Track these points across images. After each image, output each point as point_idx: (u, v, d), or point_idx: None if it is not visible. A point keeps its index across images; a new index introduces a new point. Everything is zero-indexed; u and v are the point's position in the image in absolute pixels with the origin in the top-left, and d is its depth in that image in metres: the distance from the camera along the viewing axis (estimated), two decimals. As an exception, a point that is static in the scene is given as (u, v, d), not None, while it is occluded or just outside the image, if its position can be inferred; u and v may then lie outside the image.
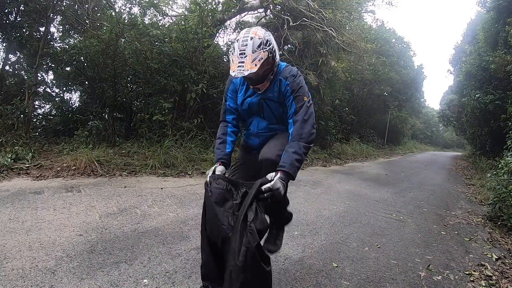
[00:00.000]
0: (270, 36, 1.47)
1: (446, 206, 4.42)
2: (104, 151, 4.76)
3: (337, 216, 3.33)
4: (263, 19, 8.66)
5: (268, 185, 1.33)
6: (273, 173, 1.39)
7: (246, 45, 1.40)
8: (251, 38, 1.40)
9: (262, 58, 1.41)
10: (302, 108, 1.50)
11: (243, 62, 1.39)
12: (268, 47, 1.43)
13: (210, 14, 6.68)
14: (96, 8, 7.36)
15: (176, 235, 2.35)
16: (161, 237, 2.28)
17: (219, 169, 1.54)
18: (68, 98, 7.08)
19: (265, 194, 1.33)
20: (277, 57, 1.53)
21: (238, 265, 1.20)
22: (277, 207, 1.75)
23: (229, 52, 1.50)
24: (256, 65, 1.39)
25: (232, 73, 1.41)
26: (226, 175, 1.59)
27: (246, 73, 1.38)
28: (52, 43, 6.48)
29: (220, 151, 1.63)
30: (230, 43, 9.06)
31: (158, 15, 7.37)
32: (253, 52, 1.39)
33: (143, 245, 2.11)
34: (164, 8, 7.40)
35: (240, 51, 1.40)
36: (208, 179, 1.47)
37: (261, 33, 1.44)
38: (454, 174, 8.99)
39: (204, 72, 6.04)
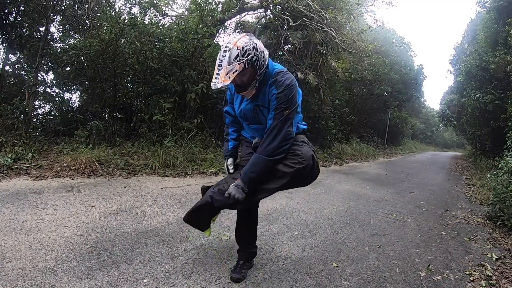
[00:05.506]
0: (252, 45, 1.42)
1: (446, 206, 4.42)
2: (104, 151, 4.76)
3: (337, 216, 3.33)
4: (263, 19, 8.67)
5: (229, 190, 1.54)
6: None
7: (224, 56, 1.40)
8: (229, 50, 1.39)
9: (236, 71, 1.39)
10: (278, 122, 1.51)
11: (218, 74, 1.40)
12: (246, 58, 1.40)
13: (210, 14, 6.67)
14: (96, 8, 7.37)
15: (176, 235, 2.35)
16: (161, 237, 2.27)
17: (229, 162, 1.90)
18: (68, 98, 7.10)
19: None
20: (263, 63, 1.49)
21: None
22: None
23: None
24: (229, 77, 1.39)
25: (211, 84, 1.44)
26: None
27: (219, 86, 1.38)
28: (52, 43, 6.48)
29: (225, 149, 1.95)
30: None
31: (158, 15, 7.37)
32: (228, 64, 1.39)
33: (143, 245, 2.11)
34: (164, 8, 7.39)
35: (218, 62, 1.41)
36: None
37: (241, 42, 1.41)
38: (454, 174, 8.99)
39: (204, 72, 6.04)
